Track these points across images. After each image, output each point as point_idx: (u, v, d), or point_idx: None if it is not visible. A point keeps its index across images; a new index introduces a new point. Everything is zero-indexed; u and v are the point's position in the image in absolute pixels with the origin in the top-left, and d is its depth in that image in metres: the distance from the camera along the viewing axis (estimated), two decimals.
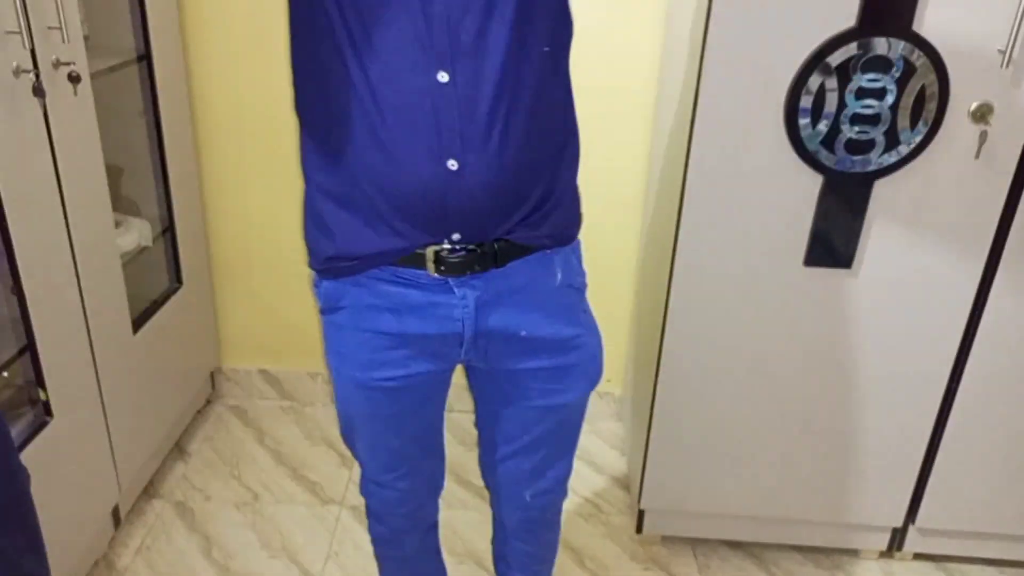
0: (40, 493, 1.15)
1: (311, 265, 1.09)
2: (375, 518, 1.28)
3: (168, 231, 1.94)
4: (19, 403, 1.47)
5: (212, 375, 2.28)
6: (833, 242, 1.49)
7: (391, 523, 1.27)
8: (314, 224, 1.05)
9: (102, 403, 1.64)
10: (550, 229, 1.06)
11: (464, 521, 1.88)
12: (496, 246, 1.01)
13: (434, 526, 1.35)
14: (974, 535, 1.76)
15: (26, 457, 1.19)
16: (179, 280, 1.98)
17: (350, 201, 1.00)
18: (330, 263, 1.05)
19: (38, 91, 1.29)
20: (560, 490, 1.29)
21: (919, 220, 1.46)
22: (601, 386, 2.26)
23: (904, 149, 1.40)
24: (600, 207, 2.03)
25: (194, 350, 2.11)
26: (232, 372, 2.30)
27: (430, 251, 1.00)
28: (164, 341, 1.92)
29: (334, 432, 2.18)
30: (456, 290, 1.02)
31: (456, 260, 1.00)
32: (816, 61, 1.35)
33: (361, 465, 1.23)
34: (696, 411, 1.65)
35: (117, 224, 1.76)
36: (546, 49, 0.98)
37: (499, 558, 1.41)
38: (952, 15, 1.32)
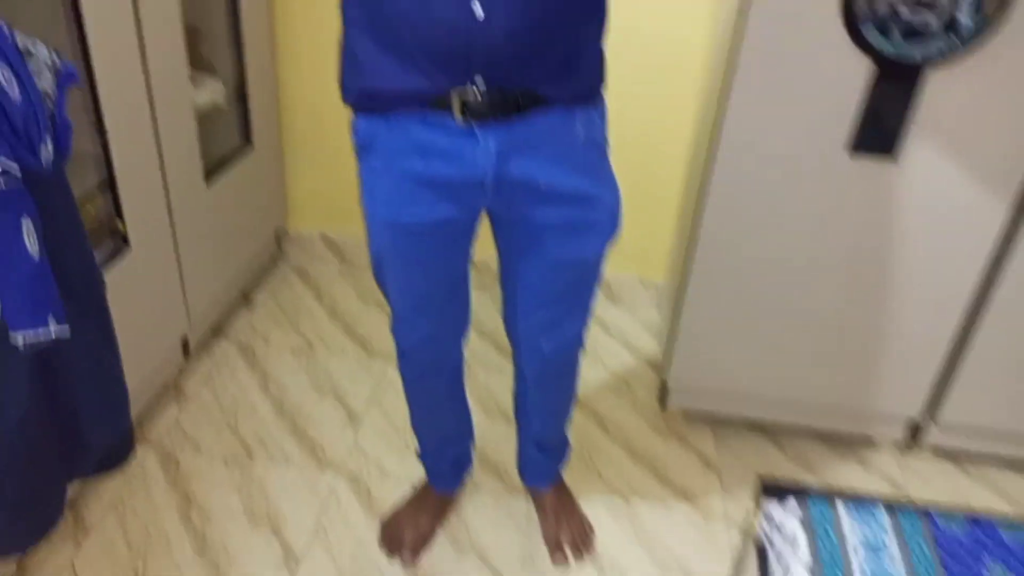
0: (116, 315, 1.30)
1: (344, 100, 1.15)
2: (404, 358, 1.39)
3: (241, 93, 2.05)
4: (99, 235, 1.63)
5: (278, 236, 2.44)
6: (880, 130, 1.48)
7: (418, 362, 1.39)
8: (349, 62, 1.12)
9: (175, 242, 1.79)
10: (572, 86, 1.10)
11: (498, 383, 2.01)
12: (519, 95, 1.07)
13: (458, 369, 1.46)
14: (993, 433, 1.79)
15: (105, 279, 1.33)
16: (249, 141, 2.10)
17: (383, 40, 1.05)
18: (362, 98, 1.11)
19: None
20: (576, 342, 1.37)
21: (970, 116, 1.44)
22: (644, 274, 2.34)
23: (962, 39, 1.37)
24: (656, 91, 2.04)
25: (262, 210, 2.26)
26: (296, 235, 2.44)
27: (456, 96, 1.06)
28: (234, 197, 2.06)
29: None
30: (480, 136, 1.08)
31: (480, 105, 1.05)
32: None
33: (391, 306, 1.33)
34: (728, 289, 1.70)
35: (193, 81, 1.88)
36: None
37: (519, 408, 1.52)
38: None
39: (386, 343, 2.14)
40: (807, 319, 1.70)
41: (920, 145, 1.48)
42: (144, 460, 1.73)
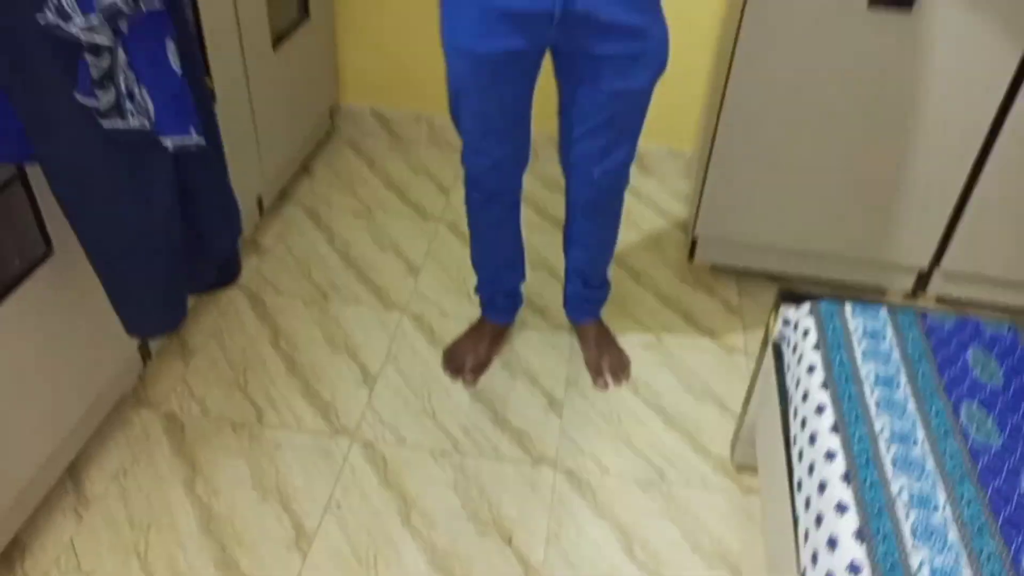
0: None
1: None
2: (471, 184, 1.59)
3: None
4: None
5: (331, 111, 2.61)
6: None
7: (483, 187, 1.58)
8: None
9: (250, 103, 1.97)
10: None
11: (541, 240, 2.21)
12: None
13: (517, 201, 1.65)
14: (994, 281, 1.96)
15: None
16: (307, 12, 2.25)
17: None
18: None
19: None
20: (624, 172, 1.56)
21: None
22: (673, 144, 2.49)
23: None
24: None
25: (317, 82, 2.42)
26: (348, 110, 2.61)
27: None
28: (295, 66, 2.22)
29: (435, 165, 2.51)
30: None
31: None
32: None
33: (463, 137, 1.52)
34: (751, 146, 1.86)
35: None
36: None
37: (568, 239, 1.72)
38: None
39: (439, 207, 2.34)
40: (826, 173, 1.86)
41: None
42: (235, 299, 1.96)
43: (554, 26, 1.30)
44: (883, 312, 1.33)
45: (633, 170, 2.52)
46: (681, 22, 2.23)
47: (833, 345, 1.27)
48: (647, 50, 1.36)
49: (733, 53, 1.75)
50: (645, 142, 2.48)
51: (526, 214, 1.69)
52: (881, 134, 1.78)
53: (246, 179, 2.03)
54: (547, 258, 2.15)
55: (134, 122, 1.13)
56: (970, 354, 1.27)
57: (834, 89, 1.75)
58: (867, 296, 2.06)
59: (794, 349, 1.34)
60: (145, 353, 1.68)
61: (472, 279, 1.84)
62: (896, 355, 1.26)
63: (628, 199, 2.40)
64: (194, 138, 1.17)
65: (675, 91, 2.32)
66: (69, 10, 1.05)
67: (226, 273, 1.55)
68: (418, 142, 2.62)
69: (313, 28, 2.29)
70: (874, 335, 1.29)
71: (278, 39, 2.11)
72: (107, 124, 1.12)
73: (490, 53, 1.33)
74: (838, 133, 1.80)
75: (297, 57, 2.23)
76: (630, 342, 1.91)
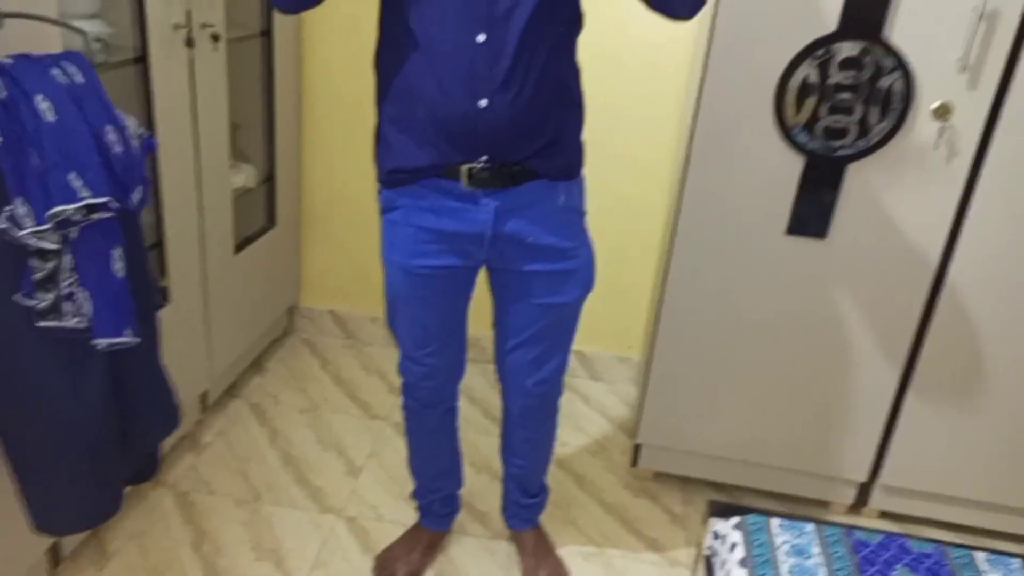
0: None
1: (378, 178, 1.45)
2: (407, 392, 1.62)
3: (270, 178, 2.35)
4: None
5: (289, 310, 2.68)
6: (811, 214, 1.76)
7: (419, 396, 1.61)
8: (381, 145, 1.41)
9: (205, 303, 2.03)
10: (556, 163, 1.39)
11: (486, 443, 2.20)
12: (514, 169, 1.35)
13: (453, 409, 1.67)
14: (935, 497, 1.97)
15: None
16: (273, 220, 2.39)
17: (408, 127, 1.35)
18: (391, 175, 1.40)
19: (189, 42, 1.70)
20: (557, 381, 1.59)
21: (887, 200, 1.72)
22: (621, 351, 2.57)
23: (874, 138, 1.67)
24: (630, 186, 2.34)
25: (279, 283, 2.51)
26: (307, 310, 2.69)
27: (464, 168, 1.34)
28: (256, 270, 2.32)
29: (387, 365, 2.54)
30: (482, 199, 1.36)
31: (483, 176, 1.34)
32: (800, 58, 1.64)
33: (400, 346, 1.57)
34: (689, 360, 1.93)
35: (231, 165, 2.18)
36: (560, 29, 1.31)
37: (505, 446, 1.72)
38: (916, 26, 1.59)
39: (387, 407, 2.34)
40: (763, 385, 1.92)
41: (847, 225, 1.75)
42: (162, 500, 1.90)
43: (485, 246, 1.40)
44: (810, 527, 1.33)
45: (582, 375, 2.60)
46: (629, 235, 2.42)
47: (759, 561, 1.25)
48: (574, 268, 1.45)
49: (668, 266, 1.87)
50: (595, 347, 2.59)
51: (473, 415, 1.71)
52: (811, 347, 1.87)
53: (191, 375, 2.05)
54: (492, 461, 2.13)
55: (70, 323, 1.17)
56: (897, 573, 1.25)
57: (762, 305, 1.85)
58: (809, 508, 2.04)
59: (722, 564, 1.31)
60: (55, 557, 1.60)
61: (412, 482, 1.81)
62: (822, 573, 1.23)
63: (575, 403, 2.45)
64: (128, 340, 1.21)
65: (623, 299, 2.44)
66: (22, 217, 1.12)
67: (144, 471, 1.52)
68: (372, 343, 2.68)
69: (278, 235, 2.42)
70: (800, 551, 1.27)
71: (242, 244, 2.22)
72: (42, 323, 1.16)
73: (424, 267, 1.42)
74: (770, 346, 1.88)
75: (259, 261, 2.33)
76: (571, 551, 1.85)
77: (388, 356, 2.61)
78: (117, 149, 1.19)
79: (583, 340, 2.18)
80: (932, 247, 1.74)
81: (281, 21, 2.22)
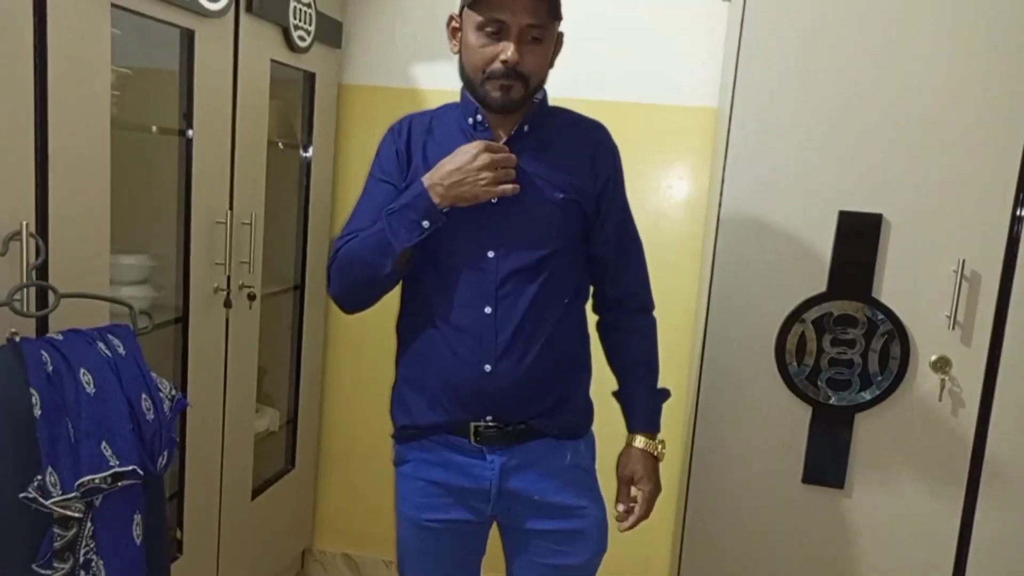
0: None
1: (393, 435, 1.50)
2: None
3: (291, 421, 2.41)
4: None
5: (303, 553, 2.62)
6: (825, 464, 1.76)
7: None
8: (397, 403, 1.48)
9: (218, 554, 2.01)
10: (561, 423, 1.44)
11: None
12: (519, 428, 1.40)
13: None
14: None
15: None
16: (293, 463, 2.41)
17: (422, 388, 1.43)
18: (403, 430, 1.46)
19: (227, 303, 1.85)
20: None
21: (899, 450, 1.73)
22: None
23: (877, 390, 1.72)
24: None
25: (292, 528, 2.48)
26: (320, 553, 2.63)
27: (471, 426, 1.39)
28: (271, 514, 2.31)
29: None
30: (487, 456, 1.40)
31: (489, 434, 1.39)
32: (795, 317, 1.73)
33: None
34: None
35: (256, 410, 2.25)
36: (565, 301, 1.42)
37: None
38: (903, 285, 1.69)
39: None
40: None
41: (864, 475, 1.74)
42: None
43: (491, 502, 1.42)
44: None
45: None
46: None
47: None
48: (582, 528, 1.44)
49: (684, 523, 1.84)
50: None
51: None
52: None
53: None
54: None
55: None
56: None
57: (780, 555, 1.80)
58: None
59: None
60: None
61: None
62: None
63: None
64: None
65: (645, 533, 2.37)
66: (50, 486, 1.16)
67: None
68: None
69: (296, 477, 2.44)
70: None
71: (260, 490, 2.23)
72: None
73: (434, 522, 1.43)
74: None
75: (275, 505, 2.33)
76: None
77: None
78: (149, 416, 1.26)
79: None
80: (953, 502, 1.72)
81: (314, 275, 2.40)
